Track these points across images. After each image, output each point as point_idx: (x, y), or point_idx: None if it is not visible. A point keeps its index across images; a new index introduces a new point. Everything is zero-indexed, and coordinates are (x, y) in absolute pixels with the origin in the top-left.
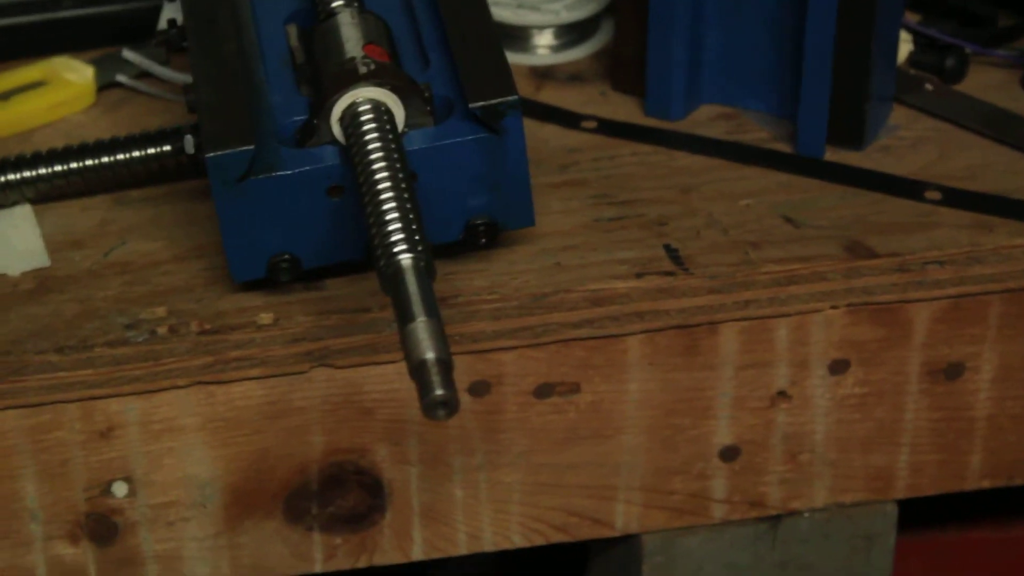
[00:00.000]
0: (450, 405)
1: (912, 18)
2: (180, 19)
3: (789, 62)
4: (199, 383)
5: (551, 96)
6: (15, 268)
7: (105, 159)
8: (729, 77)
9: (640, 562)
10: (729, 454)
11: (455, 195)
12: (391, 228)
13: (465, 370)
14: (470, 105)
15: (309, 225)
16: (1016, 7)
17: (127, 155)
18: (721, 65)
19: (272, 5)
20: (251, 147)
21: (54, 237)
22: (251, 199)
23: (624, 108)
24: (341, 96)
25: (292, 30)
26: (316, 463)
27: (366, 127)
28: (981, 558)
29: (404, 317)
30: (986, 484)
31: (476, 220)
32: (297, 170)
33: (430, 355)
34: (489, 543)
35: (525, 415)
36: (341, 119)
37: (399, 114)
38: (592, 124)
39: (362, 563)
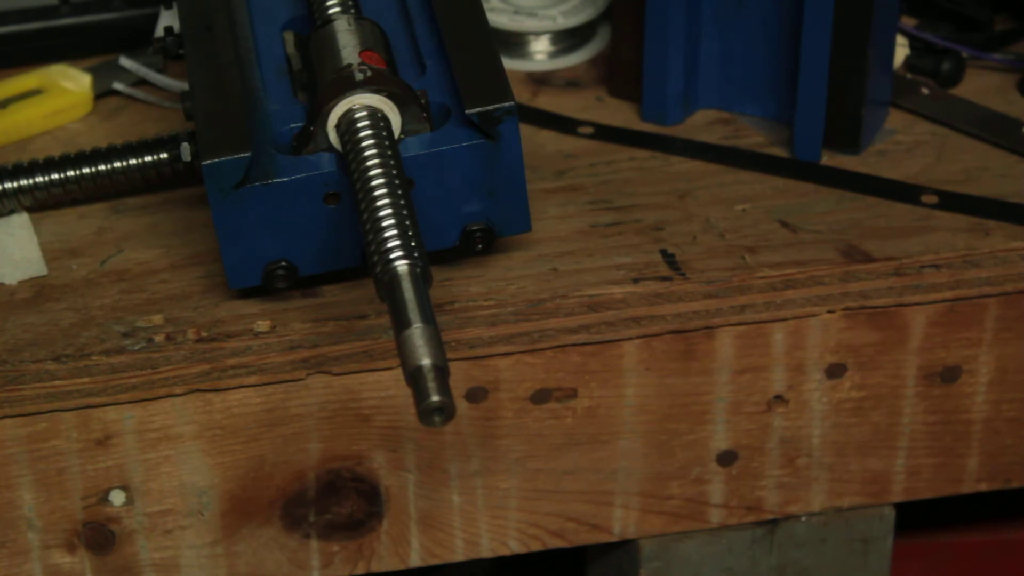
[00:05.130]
0: (446, 411)
1: (908, 22)
2: (176, 27)
3: (785, 67)
4: (196, 391)
5: (548, 102)
6: (12, 277)
7: (102, 167)
8: (725, 82)
9: (638, 567)
10: (726, 459)
11: (451, 201)
12: (387, 235)
13: (462, 376)
14: (466, 111)
15: (306, 232)
16: (1012, 11)
17: (124, 163)
18: (717, 70)
19: (269, 12)
20: (247, 154)
21: (51, 245)
22: (247, 206)
23: (621, 113)
24: (337, 103)
25: (289, 37)
26: (313, 470)
27: (362, 134)
28: (978, 561)
29: (400, 323)
30: (983, 487)
31: (473, 226)
32: (293, 177)
33: (426, 361)
34: (486, 549)
35: (522, 421)
36: (337, 126)
37: (395, 120)
38: (589, 130)
39: (359, 570)
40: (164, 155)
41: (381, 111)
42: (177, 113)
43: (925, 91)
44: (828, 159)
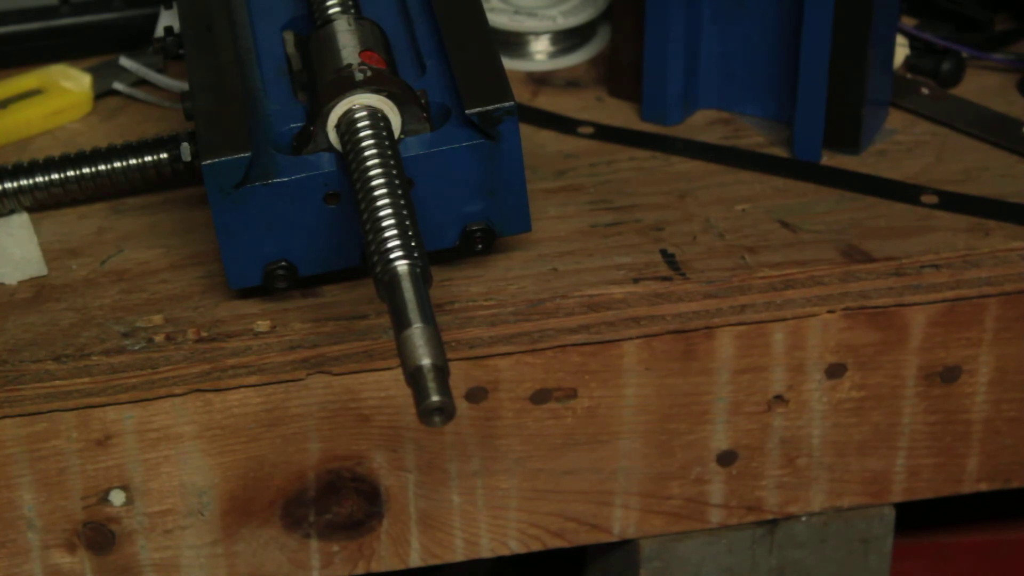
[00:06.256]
0: (446, 411)
1: (908, 22)
2: (177, 26)
3: (786, 67)
4: (196, 391)
5: (548, 102)
6: (12, 277)
7: (102, 167)
8: (726, 82)
9: (638, 567)
10: (726, 459)
11: (451, 201)
12: (387, 235)
13: (462, 376)
14: (466, 111)
15: (306, 232)
16: (1012, 11)
17: (124, 163)
18: (718, 70)
19: (269, 12)
20: (247, 154)
21: (51, 245)
22: (247, 206)
23: (621, 114)
24: (337, 103)
25: (289, 37)
26: (313, 470)
27: (362, 134)
28: (978, 561)
29: (400, 323)
30: (983, 487)
31: (473, 226)
32: (293, 177)
33: (426, 361)
34: (486, 549)
35: (522, 421)
36: (337, 126)
37: (395, 120)
38: (589, 130)
39: (359, 570)
40: (164, 155)
41: (381, 111)
42: (177, 113)
43: (925, 91)
44: (828, 159)
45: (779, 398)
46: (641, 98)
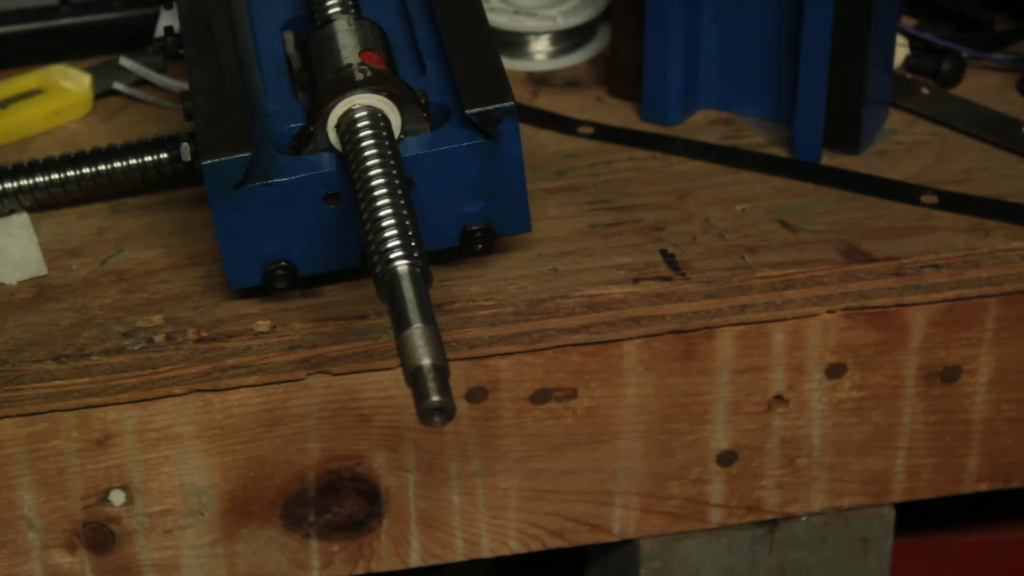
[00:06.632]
0: (446, 411)
1: (908, 22)
2: (177, 26)
3: (785, 67)
4: (196, 391)
5: (548, 102)
6: (12, 277)
7: (102, 167)
8: (725, 82)
9: (638, 567)
10: (726, 459)
11: (451, 201)
12: (387, 235)
13: (462, 376)
14: (466, 111)
15: (305, 232)
16: (1012, 11)
17: (124, 163)
18: (717, 70)
19: (269, 12)
20: (247, 154)
21: (51, 246)
22: (247, 206)
23: (621, 114)
24: (337, 103)
25: (289, 37)
26: (313, 470)
27: (362, 134)
28: (978, 561)
29: (400, 323)
30: (983, 487)
31: (473, 226)
32: (293, 177)
33: (426, 361)
34: (486, 549)
35: (522, 421)
36: (337, 126)
37: (395, 121)
38: (589, 130)
39: (359, 570)
40: (164, 155)
41: (381, 111)
42: (177, 113)
43: (925, 91)
44: (828, 159)
45: (779, 398)
46: (641, 98)
